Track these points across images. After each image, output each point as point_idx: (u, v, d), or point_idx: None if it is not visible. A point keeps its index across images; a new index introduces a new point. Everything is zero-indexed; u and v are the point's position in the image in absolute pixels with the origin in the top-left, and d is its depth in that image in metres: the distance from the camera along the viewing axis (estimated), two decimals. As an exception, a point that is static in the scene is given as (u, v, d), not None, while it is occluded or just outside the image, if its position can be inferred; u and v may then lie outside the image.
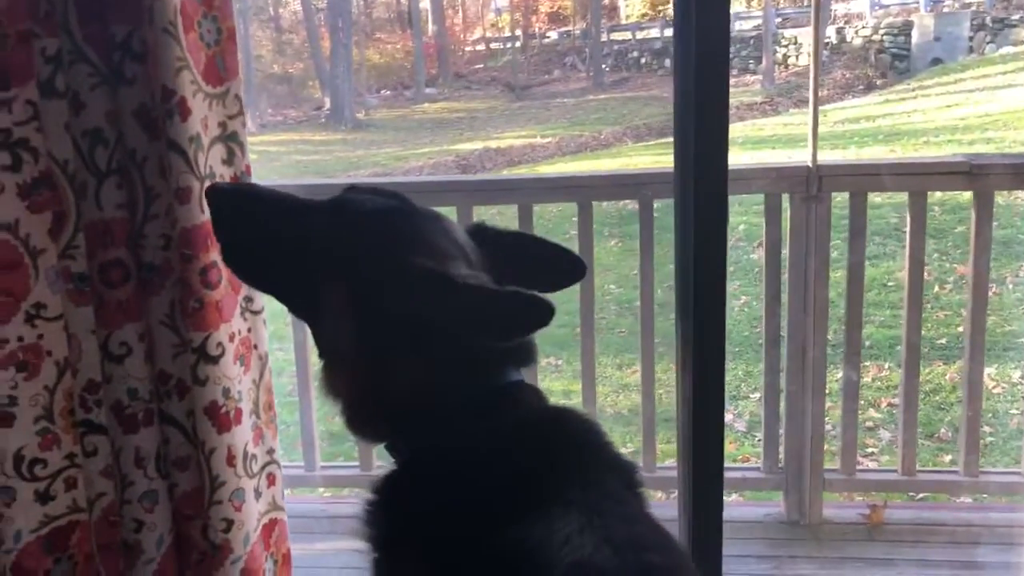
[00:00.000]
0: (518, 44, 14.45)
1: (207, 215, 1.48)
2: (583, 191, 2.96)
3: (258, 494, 1.65)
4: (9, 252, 1.48)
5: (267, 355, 1.67)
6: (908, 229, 2.82)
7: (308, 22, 13.13)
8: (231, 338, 1.55)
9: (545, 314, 1.10)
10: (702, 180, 1.73)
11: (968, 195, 2.87)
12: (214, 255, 1.50)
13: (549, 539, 1.01)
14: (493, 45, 14.86)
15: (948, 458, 4.17)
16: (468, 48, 14.95)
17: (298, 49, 13.74)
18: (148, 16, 1.39)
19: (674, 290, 1.87)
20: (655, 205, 2.86)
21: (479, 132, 11.95)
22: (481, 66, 14.43)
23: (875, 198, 7.13)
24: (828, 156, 6.69)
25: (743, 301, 6.26)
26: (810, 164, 2.79)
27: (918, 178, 2.83)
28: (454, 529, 1.11)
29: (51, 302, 1.52)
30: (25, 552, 1.55)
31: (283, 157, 10.94)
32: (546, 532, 1.02)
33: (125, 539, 1.62)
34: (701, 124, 1.70)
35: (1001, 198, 6.54)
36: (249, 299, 1.62)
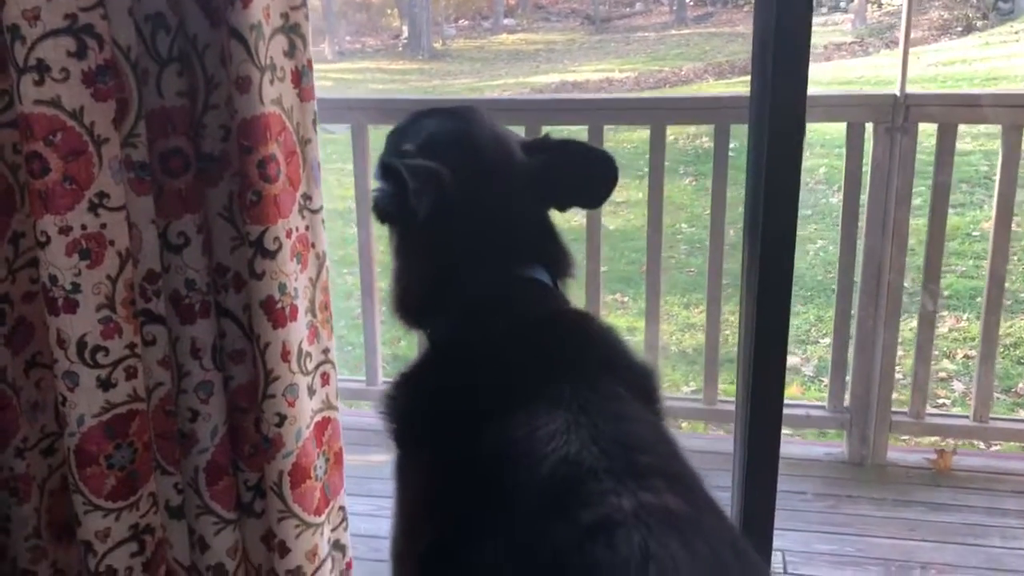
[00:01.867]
0: (600, -25, 14.11)
1: (266, 106, 1.47)
2: (656, 113, 2.87)
3: (312, 392, 1.66)
4: (74, 139, 1.48)
5: (325, 255, 1.67)
6: (999, 166, 2.67)
7: (389, -52, 13.02)
8: (288, 234, 1.55)
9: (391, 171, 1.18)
10: (778, 99, 1.65)
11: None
12: (272, 147, 1.48)
13: (533, 435, 0.99)
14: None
15: (1025, 413, 4.05)
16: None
17: (378, -25, 13.67)
18: None
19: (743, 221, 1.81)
20: (733, 145, 2.76)
21: (556, 65, 11.77)
22: (562, -4, 14.17)
23: (964, 144, 6.85)
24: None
25: (819, 245, 6.11)
26: (897, 93, 2.65)
27: (1014, 110, 2.67)
28: (447, 424, 1.12)
29: (114, 192, 1.53)
30: (87, 436, 1.59)
31: (359, 85, 10.95)
32: (531, 428, 1.00)
33: (181, 428, 1.65)
34: (780, 40, 1.62)
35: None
36: (308, 197, 1.61)
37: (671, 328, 5.17)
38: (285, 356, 1.57)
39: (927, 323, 2.80)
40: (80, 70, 1.46)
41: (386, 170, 1.21)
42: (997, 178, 2.67)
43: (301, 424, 1.63)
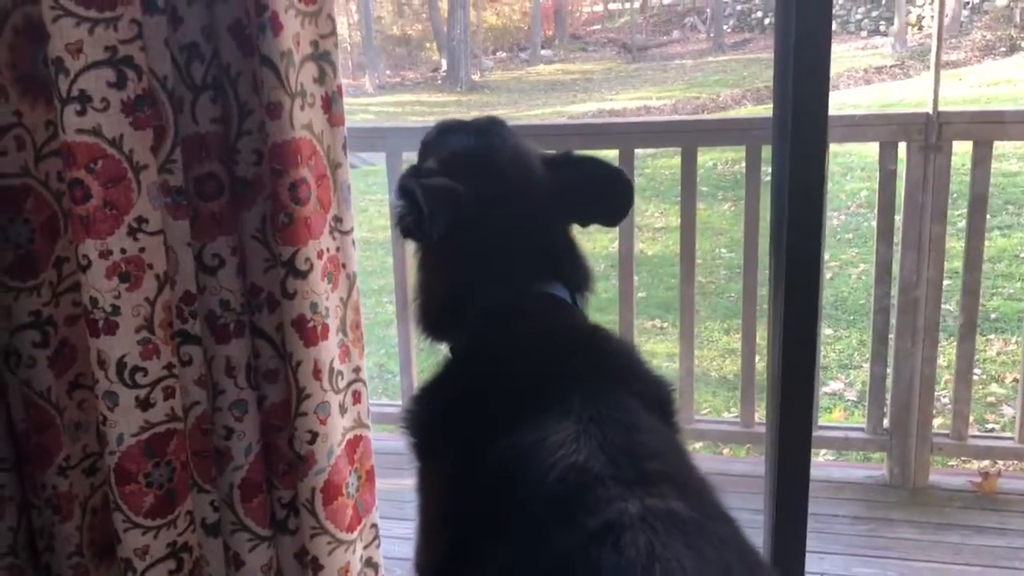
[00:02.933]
0: (637, 5, 14.18)
1: (297, 131, 1.52)
2: (686, 136, 2.89)
3: (343, 410, 1.69)
4: (114, 166, 1.54)
5: (355, 275, 1.70)
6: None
7: (428, -17, 13.24)
8: (319, 255, 1.58)
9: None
10: (799, 119, 1.65)
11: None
12: (303, 171, 1.53)
13: (542, 444, 1.00)
14: (611, 6, 14.65)
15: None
16: (586, 9, 14.78)
17: (417, 11, 13.88)
18: (243, -69, 1.42)
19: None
20: (768, 170, 2.76)
21: (593, 94, 11.85)
22: (598, 27, 14.25)
23: (1011, 165, 6.75)
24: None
25: (860, 269, 6.04)
26: (930, 111, 2.64)
27: (1050, 126, 2.64)
28: (460, 435, 1.14)
29: (152, 216, 1.58)
30: (127, 455, 1.63)
31: (399, 118, 11.11)
32: (540, 438, 1.01)
33: (216, 446, 1.68)
34: (802, 57, 1.63)
35: None
36: (338, 219, 1.65)
37: (711, 354, 5.14)
38: (317, 374, 1.60)
39: (967, 340, 2.75)
40: (120, 100, 1.52)
41: (403, 192, 1.25)
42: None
43: (333, 442, 1.65)
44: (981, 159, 2.62)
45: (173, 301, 1.62)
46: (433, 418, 1.24)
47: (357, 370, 1.74)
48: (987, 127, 2.69)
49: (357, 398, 1.75)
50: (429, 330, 1.39)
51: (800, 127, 1.65)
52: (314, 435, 1.62)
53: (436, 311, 1.36)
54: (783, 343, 1.77)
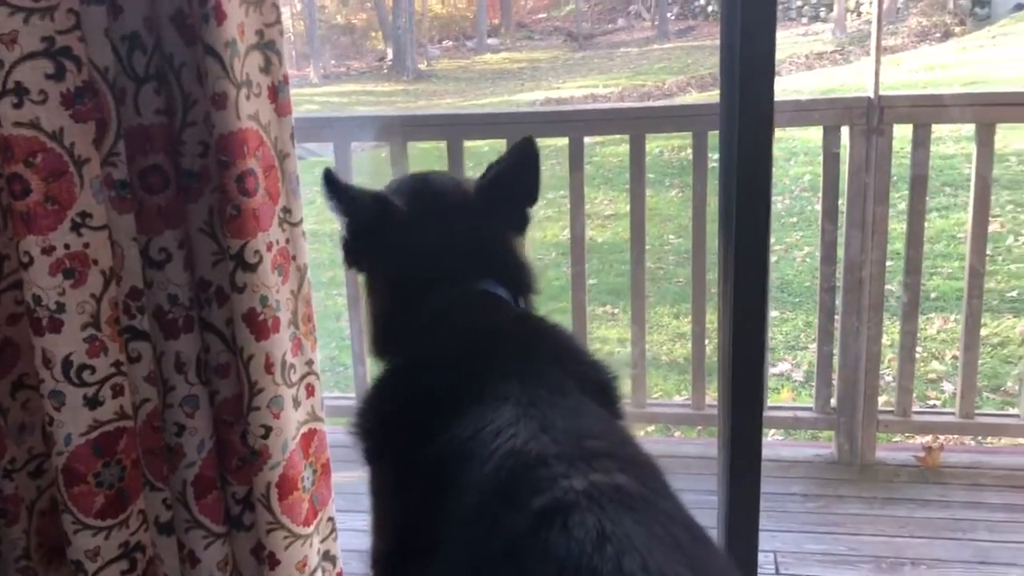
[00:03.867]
0: (582, -7, 14.22)
1: (243, 122, 1.49)
2: (634, 123, 2.91)
3: (297, 403, 1.68)
4: (55, 160, 1.50)
5: (306, 267, 1.68)
6: (974, 163, 2.71)
7: (371, -28, 13.11)
8: (269, 247, 1.56)
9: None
10: (746, 104, 1.68)
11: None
12: (251, 162, 1.50)
13: (482, 433, 1.01)
14: (557, -6, 14.66)
15: (1014, 411, 4.06)
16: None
17: (361, 0, 13.75)
18: (183, -82, 1.39)
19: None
20: (714, 156, 2.79)
21: (540, 83, 11.86)
22: (544, 16, 14.26)
23: (947, 148, 6.91)
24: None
25: (805, 252, 6.15)
26: (871, 95, 2.69)
27: (985, 108, 2.71)
28: (403, 434, 1.15)
29: (96, 211, 1.55)
30: (75, 455, 1.60)
31: (345, 108, 11.00)
32: (479, 427, 1.02)
33: (168, 443, 1.66)
34: (747, 45, 1.65)
35: (1082, 148, 6.28)
36: (287, 210, 1.63)
37: (662, 338, 5.20)
38: (269, 368, 1.59)
39: (909, 319, 2.82)
40: (59, 92, 1.48)
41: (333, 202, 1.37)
42: (972, 174, 2.71)
43: (287, 435, 1.64)
44: (921, 141, 2.68)
45: (120, 297, 1.59)
46: (377, 423, 1.25)
47: (310, 363, 1.72)
48: (926, 110, 2.75)
49: (311, 391, 1.73)
50: (380, 354, 1.45)
51: (747, 113, 1.67)
52: (268, 429, 1.60)
53: (381, 332, 1.39)
54: (732, 326, 1.80)
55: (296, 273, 1.67)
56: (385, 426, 1.23)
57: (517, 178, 1.38)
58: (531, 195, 1.41)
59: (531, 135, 1.38)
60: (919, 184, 2.71)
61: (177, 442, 1.65)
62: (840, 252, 2.80)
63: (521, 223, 1.41)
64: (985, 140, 2.66)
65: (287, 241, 1.63)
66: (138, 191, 1.55)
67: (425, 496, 1.06)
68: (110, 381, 1.62)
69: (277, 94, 1.58)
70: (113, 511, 1.64)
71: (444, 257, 1.35)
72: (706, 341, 2.99)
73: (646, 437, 3.64)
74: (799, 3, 12.39)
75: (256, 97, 1.53)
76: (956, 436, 3.17)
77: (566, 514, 0.87)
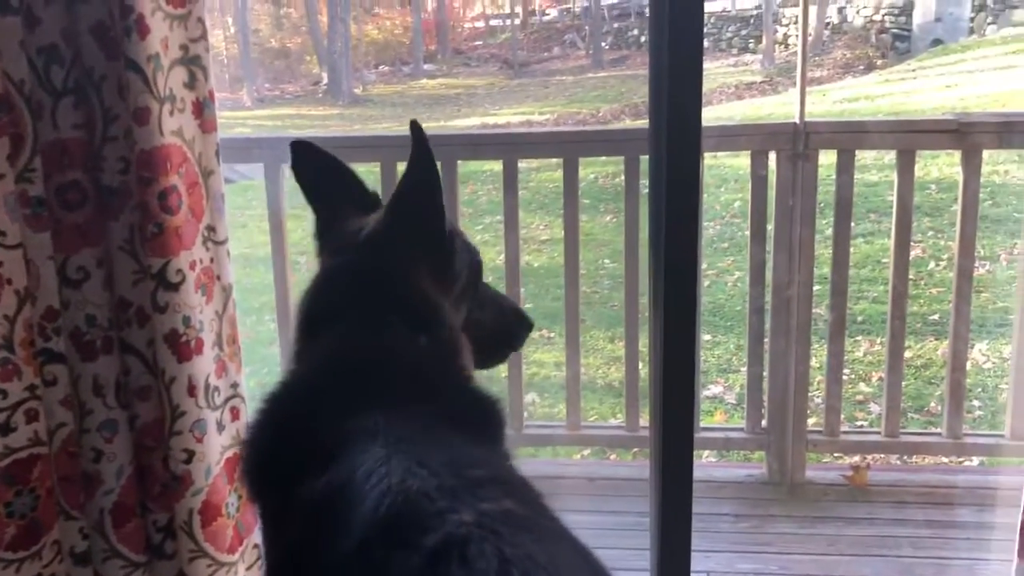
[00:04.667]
0: (518, 21, 14.35)
1: (166, 137, 1.46)
2: (567, 146, 2.93)
3: (221, 427, 1.64)
4: (-34, 177, 1.45)
5: (231, 287, 1.65)
6: (895, 188, 2.79)
7: (306, -4, 13.04)
8: (192, 266, 1.53)
9: None
10: (675, 132, 1.70)
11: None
12: (173, 178, 1.47)
13: (353, 475, 0.95)
14: (493, 22, 14.76)
15: (937, 430, 4.17)
16: (467, 25, 14.86)
17: (296, 23, 13.65)
18: (104, -71, 1.36)
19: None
20: (646, 182, 2.82)
21: (476, 108, 11.90)
22: (480, 43, 14.34)
23: (871, 176, 7.12)
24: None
25: (736, 276, 6.25)
26: (797, 121, 2.76)
27: (906, 136, 2.80)
28: (273, 477, 1.10)
29: (10, 229, 1.49)
30: (-16, 484, 1.53)
31: (279, 132, 10.88)
32: (350, 468, 0.96)
33: (85, 470, 1.60)
34: (676, 75, 1.67)
35: (997, 176, 6.52)
36: (212, 228, 1.60)
37: (597, 362, 5.21)
38: (191, 391, 1.55)
39: (835, 339, 2.88)
40: (-29, 105, 1.43)
41: None
42: (894, 198, 2.78)
43: (210, 460, 1.59)
44: (845, 166, 2.75)
45: (34, 318, 1.53)
46: (252, 462, 1.18)
47: (235, 386, 1.68)
48: (850, 136, 2.83)
49: (235, 415, 1.69)
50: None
51: (675, 141, 1.69)
52: (190, 454, 1.56)
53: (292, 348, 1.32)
54: (664, 349, 1.81)
55: (220, 293, 1.63)
56: (258, 466, 1.16)
57: (417, 186, 1.24)
58: (431, 201, 1.25)
59: (416, 119, 1.25)
60: (844, 207, 2.77)
61: (95, 468, 1.59)
62: (769, 275, 2.85)
63: (432, 240, 1.27)
64: (906, 166, 2.74)
65: (211, 260, 1.60)
66: (55, 208, 1.50)
67: (298, 541, 1.01)
68: (24, 406, 1.56)
69: (202, 110, 1.55)
70: (26, 542, 1.57)
71: (339, 285, 1.27)
72: (640, 364, 3.01)
73: (581, 460, 3.64)
74: (729, 35, 12.68)
75: (180, 113, 1.50)
76: (883, 456, 3.23)
77: (462, 547, 0.82)
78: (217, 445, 1.62)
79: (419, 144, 1.20)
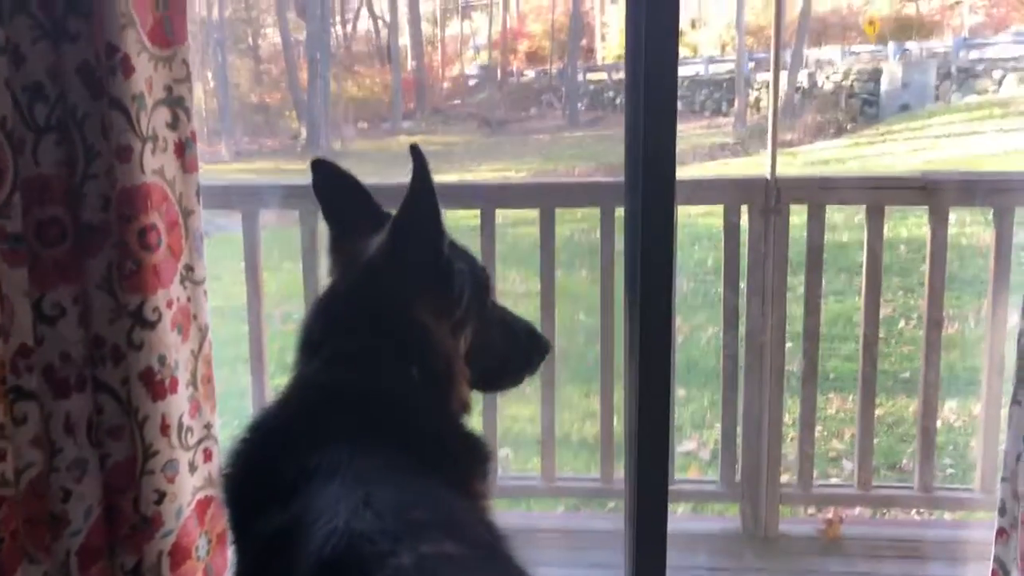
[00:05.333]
0: (496, 82, 14.60)
1: (148, 176, 1.47)
2: (544, 197, 2.96)
3: (193, 468, 1.62)
4: (-56, 212, 1.45)
5: (208, 327, 1.65)
6: (865, 242, 2.84)
7: (287, 53, 13.17)
8: (169, 304, 1.53)
9: None
10: (650, 181, 1.74)
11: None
12: (153, 217, 1.48)
13: (307, 511, 0.97)
14: (471, 82, 15.01)
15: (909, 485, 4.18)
16: (446, 84, 15.08)
17: (276, 79, 13.79)
18: (94, -29, 1.39)
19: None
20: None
21: (454, 164, 12.01)
22: (459, 101, 14.55)
23: (842, 237, 7.24)
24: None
25: (710, 332, 6.28)
26: (768, 176, 2.81)
27: (874, 192, 2.85)
28: (242, 506, 1.09)
29: (-14, 265, 1.49)
30: (-53, 527, 1.50)
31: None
32: (305, 504, 0.98)
33: (52, 511, 1.57)
34: (650, 136, 1.71)
35: (964, 238, 6.66)
36: (190, 268, 1.60)
37: (572, 417, 5.19)
38: (165, 430, 1.53)
39: (809, 385, 2.90)
40: (-48, 141, 1.44)
41: None
42: (864, 253, 2.83)
43: (182, 502, 1.57)
44: (815, 217, 2.80)
45: (7, 355, 1.52)
46: (227, 493, 1.16)
47: (208, 426, 1.67)
48: (820, 192, 2.88)
49: (208, 456, 1.67)
50: None
51: (651, 190, 1.72)
52: (161, 495, 1.54)
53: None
54: (639, 403, 1.82)
55: (197, 332, 1.63)
56: (232, 498, 1.15)
57: (417, 207, 1.24)
58: (431, 223, 1.25)
59: (416, 144, 1.27)
60: (814, 255, 2.82)
61: (62, 509, 1.56)
62: (742, 329, 2.87)
63: (430, 264, 1.25)
64: (875, 221, 2.79)
65: (188, 299, 1.60)
66: (33, 243, 1.50)
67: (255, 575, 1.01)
68: (-9, 445, 1.54)
69: (184, 150, 1.56)
70: (-14, 587, 1.54)
71: (332, 310, 1.28)
72: (615, 418, 3.01)
73: (556, 513, 3.61)
74: (703, 97, 12.97)
75: (162, 152, 1.52)
76: (856, 509, 3.24)
77: None
78: (189, 486, 1.60)
79: (419, 167, 1.21)
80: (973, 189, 2.88)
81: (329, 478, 1.00)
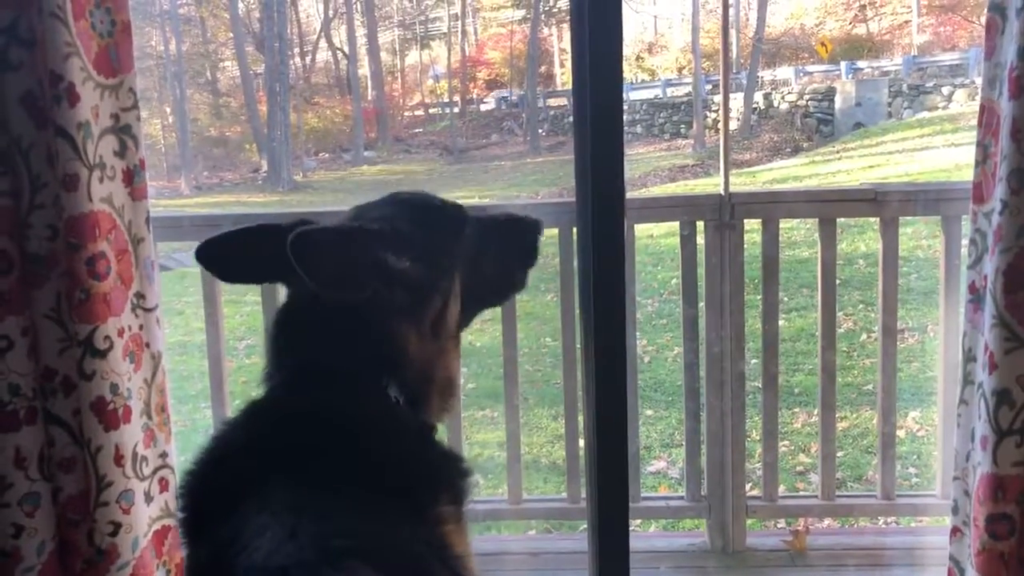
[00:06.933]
0: (456, 110, 14.68)
1: (95, 204, 1.46)
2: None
3: (149, 498, 1.60)
4: None
5: (160, 355, 1.63)
6: (819, 253, 2.88)
7: (246, 86, 13.17)
8: (120, 333, 1.52)
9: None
10: (599, 199, 1.76)
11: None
12: (102, 245, 1.47)
13: (234, 542, 0.95)
14: (432, 110, 15.09)
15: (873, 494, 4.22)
16: (407, 113, 15.15)
17: (235, 112, 13.76)
18: (36, 1, 1.38)
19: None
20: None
21: (417, 193, 12.07)
22: (420, 130, 14.61)
23: (803, 252, 7.34)
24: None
25: (675, 352, 6.32)
26: (722, 192, 2.85)
27: (827, 205, 2.90)
28: (186, 527, 1.08)
29: (-68, 299, 1.47)
30: None
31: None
32: (231, 534, 0.97)
33: (2, 547, 1.54)
34: (597, 137, 1.74)
35: (921, 251, 6.77)
36: (141, 295, 1.59)
37: (541, 440, 5.19)
38: (119, 460, 1.51)
39: (769, 390, 2.93)
40: None
41: None
42: (818, 263, 2.87)
43: (138, 532, 1.55)
44: (768, 229, 2.84)
45: (-46, 389, 1.50)
46: (180, 514, 1.14)
47: (164, 455, 1.65)
48: (773, 206, 2.92)
49: (164, 486, 1.65)
50: None
51: (599, 217, 1.75)
52: (116, 526, 1.52)
53: None
54: (596, 418, 1.83)
55: (150, 361, 1.61)
56: (182, 520, 1.13)
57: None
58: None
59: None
60: (770, 265, 2.85)
61: (13, 545, 1.53)
62: (704, 357, 2.89)
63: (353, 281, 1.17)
64: (827, 234, 2.84)
65: (140, 327, 1.59)
66: (-21, 276, 1.48)
67: None
68: (-60, 482, 1.51)
69: (132, 178, 1.56)
70: (-63, 627, 1.50)
71: (292, 321, 1.23)
72: (579, 439, 3.01)
73: (525, 536, 3.60)
74: (661, 120, 13.14)
75: (110, 180, 1.51)
76: (825, 521, 3.26)
77: None
78: (145, 516, 1.58)
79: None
80: (920, 199, 2.94)
81: (260, 507, 0.98)
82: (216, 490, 1.06)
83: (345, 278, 1.15)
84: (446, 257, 1.26)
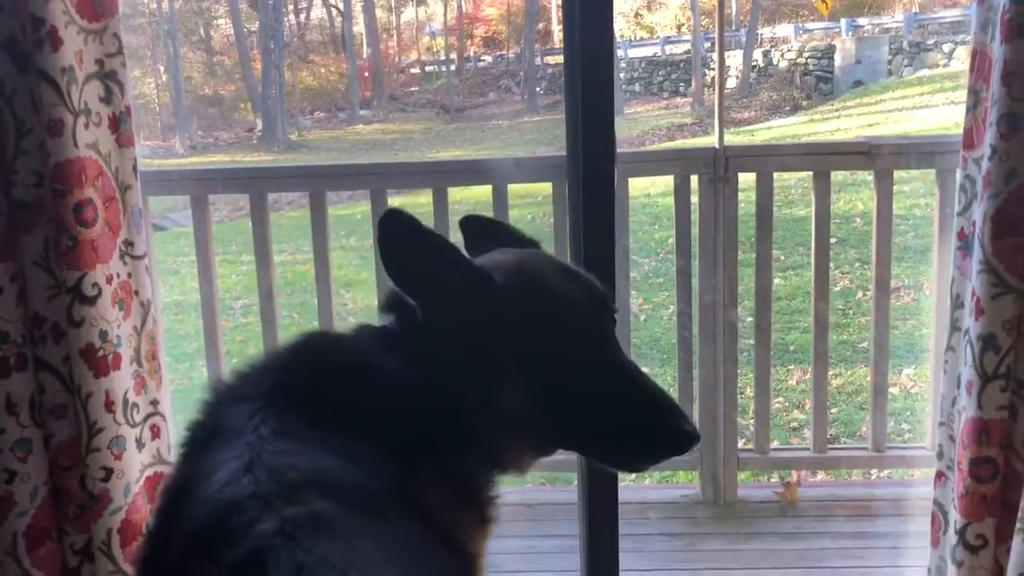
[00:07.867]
0: (453, 67, 14.55)
1: (81, 150, 1.46)
2: (439, 176, 2.95)
3: (140, 444, 1.61)
4: None
5: (150, 303, 1.64)
6: (813, 206, 2.88)
7: (240, 44, 13.03)
8: (108, 280, 1.52)
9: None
10: (589, 155, 1.76)
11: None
12: (89, 191, 1.47)
13: (196, 475, 0.96)
14: (428, 68, 14.95)
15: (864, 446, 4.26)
16: (403, 71, 15.01)
17: (229, 71, 13.64)
18: (16, -57, 1.37)
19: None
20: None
21: (413, 153, 11.98)
22: (416, 89, 14.48)
23: (800, 211, 7.32)
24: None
25: (671, 311, 6.32)
26: (716, 145, 2.84)
27: (821, 158, 2.90)
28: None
29: (-80, 246, 1.47)
30: None
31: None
32: (199, 467, 0.97)
33: (-4, 492, 1.56)
34: (588, 90, 1.73)
35: (919, 209, 6.76)
36: (129, 243, 1.59)
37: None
38: (109, 406, 1.52)
39: (762, 346, 2.94)
40: None
41: None
42: (812, 216, 2.87)
43: (130, 478, 1.57)
44: (762, 183, 2.84)
45: (-56, 336, 1.50)
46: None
47: (155, 403, 1.66)
48: (767, 160, 2.92)
49: (156, 433, 1.67)
50: None
51: (590, 161, 1.74)
52: (108, 472, 1.53)
53: None
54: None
55: (139, 308, 1.62)
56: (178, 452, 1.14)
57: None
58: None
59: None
60: (764, 217, 2.85)
61: (7, 490, 1.55)
62: (696, 308, 2.90)
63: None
64: (821, 185, 2.83)
65: (129, 275, 1.59)
66: (-35, 222, 1.48)
67: (148, 536, 1.01)
68: (-68, 428, 1.52)
69: (119, 124, 1.55)
70: (-67, 571, 1.52)
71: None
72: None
73: (519, 488, 3.64)
74: (660, 79, 13.02)
75: (96, 126, 1.50)
76: (818, 475, 3.30)
77: (260, 561, 0.82)
78: (137, 462, 1.59)
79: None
80: (914, 152, 2.93)
81: (231, 438, 0.98)
82: (205, 420, 1.07)
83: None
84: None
